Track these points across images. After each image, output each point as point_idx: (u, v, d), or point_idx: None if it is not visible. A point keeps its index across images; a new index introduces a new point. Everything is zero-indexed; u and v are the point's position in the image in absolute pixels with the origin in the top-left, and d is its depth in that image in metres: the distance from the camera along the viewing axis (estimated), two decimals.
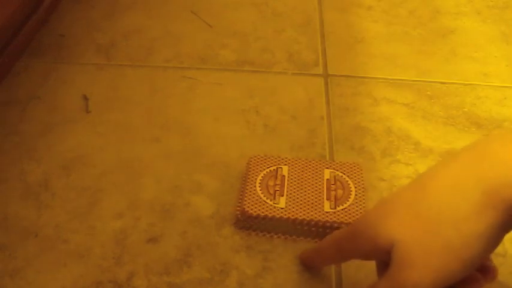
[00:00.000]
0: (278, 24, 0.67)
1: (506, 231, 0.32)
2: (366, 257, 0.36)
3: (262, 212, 0.41)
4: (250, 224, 0.42)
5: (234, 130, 0.52)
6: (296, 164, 0.45)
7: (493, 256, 0.42)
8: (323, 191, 0.43)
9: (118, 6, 0.69)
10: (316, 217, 0.41)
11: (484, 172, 0.31)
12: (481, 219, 0.31)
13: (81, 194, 0.46)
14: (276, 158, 0.45)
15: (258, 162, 0.45)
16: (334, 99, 0.56)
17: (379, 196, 0.46)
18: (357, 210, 0.42)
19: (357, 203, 0.42)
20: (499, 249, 0.42)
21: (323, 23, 0.68)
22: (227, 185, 0.47)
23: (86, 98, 0.55)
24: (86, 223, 0.43)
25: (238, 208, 0.43)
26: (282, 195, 0.42)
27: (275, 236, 0.42)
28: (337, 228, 0.41)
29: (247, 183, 0.43)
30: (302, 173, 0.44)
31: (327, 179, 0.44)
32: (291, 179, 0.44)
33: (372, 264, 0.41)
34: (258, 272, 0.41)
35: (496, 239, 0.32)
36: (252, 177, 0.44)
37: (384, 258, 0.33)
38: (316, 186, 0.43)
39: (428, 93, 0.57)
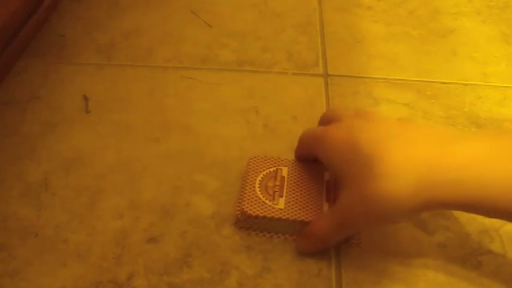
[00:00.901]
0: (278, 24, 0.67)
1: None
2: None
3: (261, 213, 0.41)
4: (250, 224, 0.42)
5: (234, 130, 0.52)
6: (296, 165, 0.45)
7: (493, 256, 0.42)
8: (322, 192, 0.43)
9: (118, 6, 0.69)
10: (315, 218, 0.41)
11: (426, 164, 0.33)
12: (408, 201, 0.33)
13: (81, 194, 0.46)
14: (275, 159, 0.45)
15: (257, 163, 0.45)
16: (334, 99, 0.56)
17: None
18: None
19: None
20: (499, 249, 0.42)
21: (323, 23, 0.68)
22: (227, 185, 0.47)
23: (86, 98, 0.55)
24: (86, 223, 0.44)
25: (238, 208, 0.43)
26: (281, 196, 0.42)
27: (275, 236, 0.42)
28: None
29: (247, 184, 0.43)
30: (302, 174, 0.44)
31: (327, 180, 0.44)
32: (291, 180, 0.44)
33: (372, 265, 0.41)
34: (258, 272, 0.41)
35: (405, 218, 0.37)
36: (252, 177, 0.44)
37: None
38: (315, 188, 0.43)
39: (428, 93, 0.57)
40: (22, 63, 0.60)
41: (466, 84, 0.59)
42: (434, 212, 0.45)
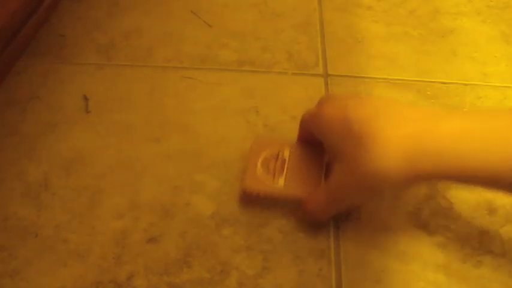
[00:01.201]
0: (278, 24, 0.67)
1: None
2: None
3: (262, 191, 0.43)
4: (252, 200, 0.44)
5: (234, 130, 0.52)
6: (298, 147, 0.47)
7: (493, 256, 0.42)
8: (322, 172, 0.44)
9: (118, 6, 0.69)
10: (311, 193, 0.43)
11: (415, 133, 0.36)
12: (397, 173, 0.35)
13: (81, 194, 0.46)
14: (279, 141, 0.47)
15: (261, 143, 0.47)
16: None
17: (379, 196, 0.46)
18: None
19: None
20: (499, 249, 0.42)
21: (323, 23, 0.68)
22: (227, 185, 0.47)
23: (85, 98, 0.55)
24: (86, 223, 0.44)
25: (241, 187, 0.45)
26: (281, 176, 0.44)
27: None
28: None
29: (249, 164, 0.45)
30: (303, 156, 0.46)
31: (327, 162, 0.45)
32: (292, 161, 0.45)
33: (371, 264, 0.41)
34: (258, 272, 0.41)
35: (397, 190, 0.39)
36: (254, 157, 0.46)
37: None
38: (315, 168, 0.45)
39: (428, 93, 0.57)
40: (22, 63, 0.60)
41: (466, 84, 0.59)
42: (435, 212, 0.45)
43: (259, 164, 0.45)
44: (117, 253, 0.41)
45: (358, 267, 0.41)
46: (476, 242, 0.43)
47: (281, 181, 0.44)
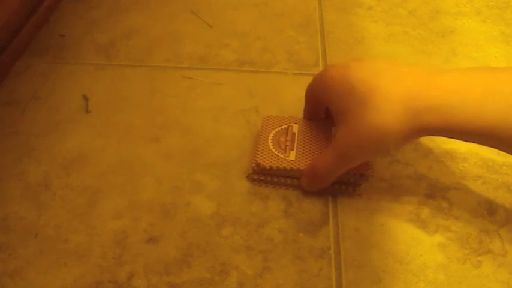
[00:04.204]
0: (278, 24, 0.67)
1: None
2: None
3: (274, 164, 0.45)
4: (263, 175, 0.46)
5: (234, 130, 0.52)
6: (306, 123, 0.49)
7: (493, 256, 0.42)
8: (330, 145, 0.45)
9: (118, 6, 0.69)
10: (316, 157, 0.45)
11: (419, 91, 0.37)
12: (399, 129, 0.37)
13: (81, 194, 0.46)
14: (287, 118, 0.49)
15: (271, 121, 0.49)
16: None
17: (379, 195, 0.46)
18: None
19: None
20: (499, 249, 0.42)
21: (323, 23, 0.68)
22: (227, 185, 0.47)
23: (86, 98, 0.55)
24: (86, 223, 0.44)
25: (253, 161, 0.46)
26: (292, 150, 0.46)
27: (288, 185, 0.47)
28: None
29: (261, 139, 0.47)
30: (311, 130, 0.48)
31: (334, 134, 0.46)
32: (301, 135, 0.47)
33: (372, 264, 0.41)
34: (258, 272, 0.41)
35: (399, 146, 0.39)
36: (265, 134, 0.48)
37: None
38: (323, 142, 0.47)
39: None
40: (22, 63, 0.60)
41: None
42: (435, 212, 0.45)
43: (269, 140, 0.47)
44: (117, 253, 0.41)
45: (358, 267, 0.41)
46: (476, 242, 0.43)
47: (292, 155, 0.46)
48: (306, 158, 0.45)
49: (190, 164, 0.49)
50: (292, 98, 0.56)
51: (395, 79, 0.38)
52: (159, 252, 0.42)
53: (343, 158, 0.41)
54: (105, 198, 0.45)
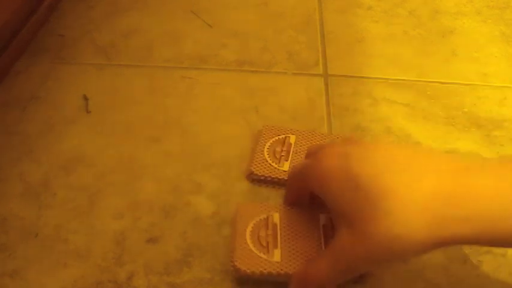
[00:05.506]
0: (278, 24, 0.67)
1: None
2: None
3: (257, 269, 0.38)
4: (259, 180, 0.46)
5: (234, 130, 0.52)
6: (288, 210, 0.43)
7: (493, 256, 0.42)
8: (320, 239, 0.40)
9: (118, 6, 0.69)
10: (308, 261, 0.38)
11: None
12: (421, 242, 0.30)
13: (81, 194, 0.46)
14: (265, 205, 0.44)
15: (247, 210, 0.43)
16: (334, 99, 0.56)
17: None
18: None
19: None
20: (499, 249, 0.42)
21: (323, 23, 0.68)
22: (227, 185, 0.47)
23: (86, 98, 0.55)
24: (86, 223, 0.43)
25: (231, 264, 0.39)
26: (276, 247, 0.39)
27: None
28: None
29: (237, 235, 0.41)
30: (295, 220, 0.42)
31: (323, 225, 0.41)
32: (284, 227, 0.41)
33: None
34: None
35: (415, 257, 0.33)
36: (242, 227, 0.41)
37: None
38: (312, 234, 0.40)
39: (428, 93, 0.57)
40: (22, 63, 0.60)
41: (466, 84, 0.59)
42: None
43: (248, 235, 0.40)
44: (117, 253, 0.41)
45: None
46: None
47: (277, 255, 0.38)
48: (294, 258, 0.38)
49: (190, 164, 0.49)
50: (292, 98, 0.56)
51: (416, 178, 0.31)
52: (159, 252, 0.42)
53: (343, 269, 0.33)
54: (105, 198, 0.45)
